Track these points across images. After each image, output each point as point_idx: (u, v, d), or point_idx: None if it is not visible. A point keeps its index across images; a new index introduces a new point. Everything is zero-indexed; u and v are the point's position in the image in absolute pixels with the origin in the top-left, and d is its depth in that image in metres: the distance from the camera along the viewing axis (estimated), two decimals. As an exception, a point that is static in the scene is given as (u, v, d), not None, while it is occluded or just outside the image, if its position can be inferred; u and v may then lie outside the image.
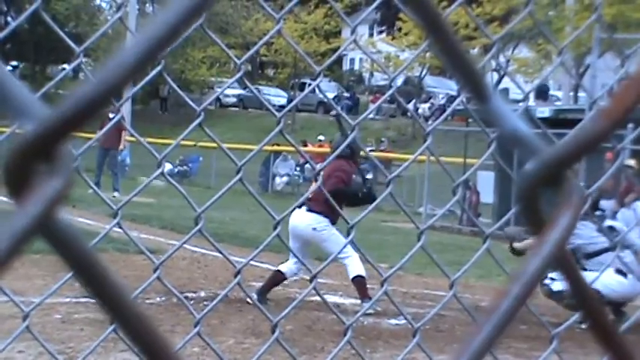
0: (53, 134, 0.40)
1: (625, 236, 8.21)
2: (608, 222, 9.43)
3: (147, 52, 0.39)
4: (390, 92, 2.59)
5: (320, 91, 3.19)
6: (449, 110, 3.27)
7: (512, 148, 0.54)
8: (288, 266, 9.20)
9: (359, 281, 8.94)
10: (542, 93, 20.76)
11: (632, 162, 15.84)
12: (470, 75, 0.51)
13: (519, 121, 0.55)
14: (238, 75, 2.38)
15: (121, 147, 21.60)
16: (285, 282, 10.77)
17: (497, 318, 0.48)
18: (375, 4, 2.65)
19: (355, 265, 8.91)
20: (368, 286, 8.71)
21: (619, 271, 8.62)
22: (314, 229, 9.14)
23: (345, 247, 2.62)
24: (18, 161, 0.40)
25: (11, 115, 0.43)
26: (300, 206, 8.69)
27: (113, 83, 0.40)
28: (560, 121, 15.54)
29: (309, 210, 9.07)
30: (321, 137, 32.45)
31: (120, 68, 0.40)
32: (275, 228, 2.35)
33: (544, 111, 18.69)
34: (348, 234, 2.65)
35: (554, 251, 0.49)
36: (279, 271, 9.27)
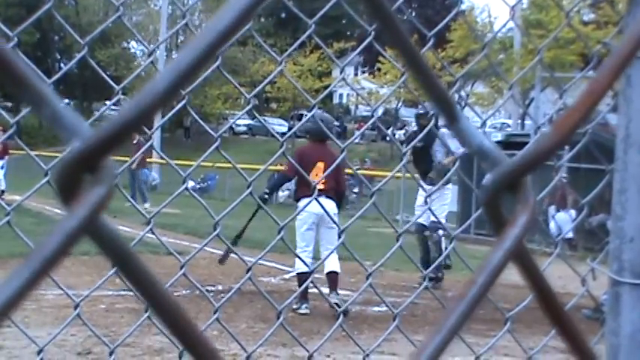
0: (96, 150, 0.39)
1: None
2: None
3: (172, 83, 0.39)
4: (371, 121, 2.60)
5: (316, 120, 3.19)
6: (420, 135, 3.26)
7: (479, 160, 0.54)
8: (302, 264, 7.62)
9: (333, 276, 8.03)
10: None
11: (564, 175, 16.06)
12: (442, 100, 0.51)
13: (484, 137, 0.54)
14: (248, 107, 2.38)
15: (133, 166, 19.90)
16: (286, 277, 10.75)
17: (467, 302, 0.47)
18: (358, 50, 2.66)
19: (334, 262, 8.04)
20: (353, 280, 8.56)
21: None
22: (335, 214, 7.98)
23: (338, 245, 2.56)
24: (68, 173, 0.39)
25: (62, 134, 0.43)
26: (311, 195, 8.30)
27: (144, 109, 0.39)
28: (511, 144, 15.67)
29: (329, 197, 8.04)
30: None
31: (150, 96, 0.39)
32: (279, 232, 2.34)
33: (497, 135, 18.84)
34: (339, 237, 2.63)
35: (515, 245, 0.48)
36: (303, 273, 7.80)
